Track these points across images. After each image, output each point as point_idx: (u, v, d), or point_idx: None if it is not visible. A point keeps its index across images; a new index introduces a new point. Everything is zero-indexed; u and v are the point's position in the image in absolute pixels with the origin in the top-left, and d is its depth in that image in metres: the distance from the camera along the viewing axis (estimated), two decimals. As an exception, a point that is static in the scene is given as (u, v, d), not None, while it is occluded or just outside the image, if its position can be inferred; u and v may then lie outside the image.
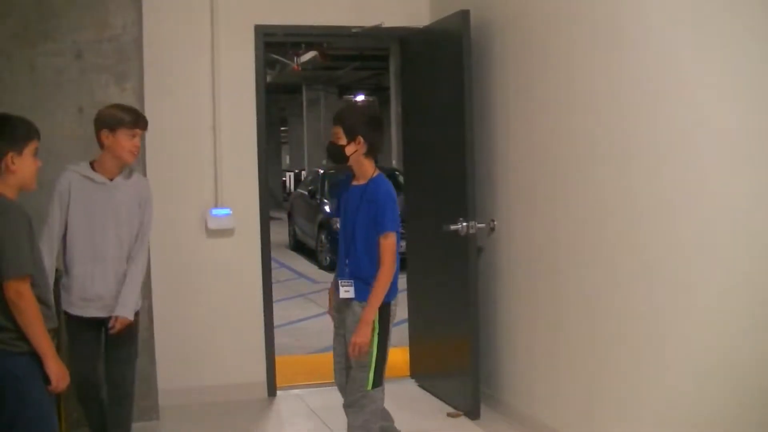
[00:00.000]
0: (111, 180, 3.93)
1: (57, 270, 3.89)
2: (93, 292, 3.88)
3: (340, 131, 3.77)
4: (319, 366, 6.20)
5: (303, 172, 22.90)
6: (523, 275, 4.77)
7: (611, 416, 3.97)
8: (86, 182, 3.89)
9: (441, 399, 5.37)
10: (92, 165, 3.94)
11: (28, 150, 3.06)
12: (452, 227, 4.91)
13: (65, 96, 4.77)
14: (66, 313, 3.91)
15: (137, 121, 3.94)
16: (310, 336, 7.71)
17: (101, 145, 3.91)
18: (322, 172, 14.07)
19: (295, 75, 18.00)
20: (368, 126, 3.79)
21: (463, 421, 4.97)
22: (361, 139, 3.75)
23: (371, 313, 3.69)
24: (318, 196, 13.21)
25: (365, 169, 3.82)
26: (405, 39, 5.83)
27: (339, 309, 3.90)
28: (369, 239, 3.74)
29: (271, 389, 5.60)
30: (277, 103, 26.65)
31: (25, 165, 3.04)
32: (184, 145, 5.40)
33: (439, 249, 5.25)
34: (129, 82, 4.87)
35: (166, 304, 5.23)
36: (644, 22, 3.63)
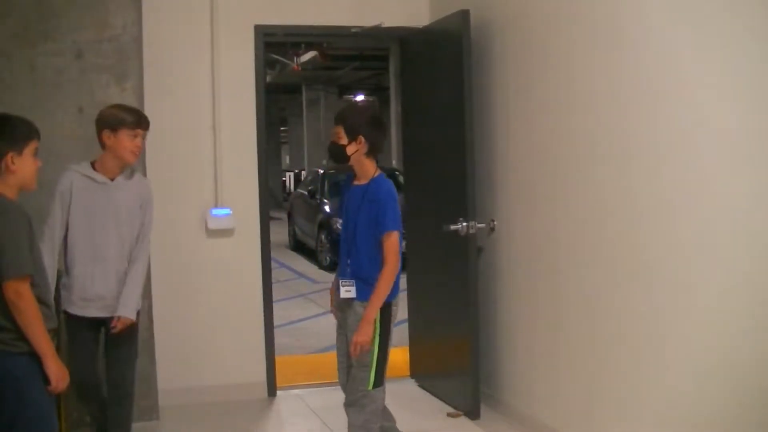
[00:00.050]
0: (112, 180, 3.93)
1: (57, 270, 3.89)
2: (93, 292, 3.87)
3: (341, 131, 3.77)
4: (319, 366, 6.20)
5: (303, 172, 22.89)
6: (523, 275, 4.77)
7: (611, 416, 3.97)
8: (88, 182, 3.89)
9: (441, 399, 5.37)
10: (93, 165, 3.94)
11: (28, 150, 3.05)
12: (452, 227, 4.91)
13: (65, 96, 4.77)
14: (66, 312, 3.91)
15: (139, 121, 3.94)
16: (310, 336, 7.71)
17: (103, 146, 3.91)
18: (322, 172, 14.07)
19: (295, 75, 17.99)
20: (369, 126, 3.78)
21: (463, 421, 4.97)
22: (362, 138, 3.75)
23: (373, 312, 3.69)
24: (318, 196, 13.19)
25: (366, 169, 3.82)
26: (405, 39, 5.82)
27: (340, 309, 3.89)
28: (370, 239, 3.73)
29: (271, 389, 5.59)
30: (277, 103, 26.64)
31: (25, 165, 3.04)
32: (184, 145, 5.40)
33: (439, 249, 5.25)
34: (129, 82, 4.87)
35: (166, 304, 5.22)
36: (644, 22, 3.63)
